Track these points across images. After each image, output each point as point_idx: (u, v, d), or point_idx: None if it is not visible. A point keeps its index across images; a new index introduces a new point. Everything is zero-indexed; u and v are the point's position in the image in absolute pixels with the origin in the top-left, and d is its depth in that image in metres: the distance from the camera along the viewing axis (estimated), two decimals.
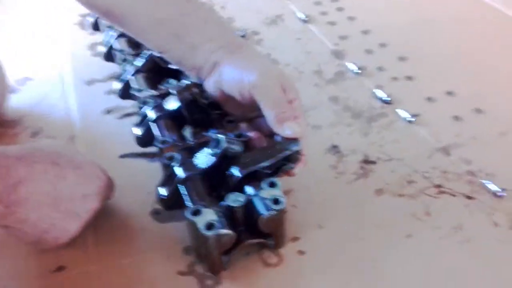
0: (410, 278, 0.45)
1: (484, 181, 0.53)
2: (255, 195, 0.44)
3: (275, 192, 0.44)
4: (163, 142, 0.49)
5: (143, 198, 0.53)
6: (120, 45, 0.67)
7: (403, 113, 0.64)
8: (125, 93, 0.61)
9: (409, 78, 0.71)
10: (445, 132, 0.61)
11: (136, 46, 0.65)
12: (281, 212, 0.44)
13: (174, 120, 0.53)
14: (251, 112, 0.51)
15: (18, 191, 0.42)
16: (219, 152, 0.45)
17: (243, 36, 0.83)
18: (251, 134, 0.49)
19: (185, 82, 0.55)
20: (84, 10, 0.87)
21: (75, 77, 0.74)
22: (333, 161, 0.58)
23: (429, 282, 0.45)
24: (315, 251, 0.48)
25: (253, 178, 0.45)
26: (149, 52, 0.60)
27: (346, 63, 0.74)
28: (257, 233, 0.45)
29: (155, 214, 0.51)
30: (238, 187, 0.45)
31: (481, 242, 0.48)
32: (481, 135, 0.60)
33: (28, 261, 0.48)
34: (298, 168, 0.47)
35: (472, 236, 0.48)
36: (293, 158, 0.46)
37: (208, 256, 0.44)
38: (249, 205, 0.44)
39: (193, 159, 0.47)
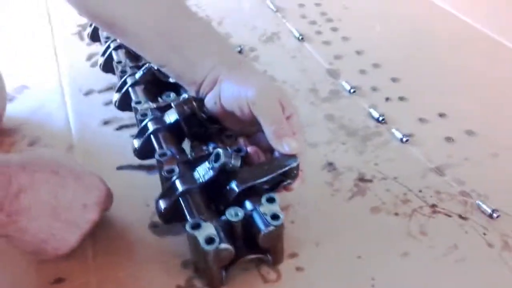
0: None
1: (477, 202, 0.54)
2: (253, 210, 0.44)
3: (274, 208, 0.44)
4: (162, 155, 0.50)
5: (141, 210, 0.54)
6: (118, 56, 0.67)
7: (397, 133, 0.65)
8: (124, 104, 0.61)
9: (401, 98, 0.72)
10: (438, 152, 0.62)
11: (135, 58, 0.66)
12: (280, 228, 0.44)
13: (173, 133, 0.53)
14: (250, 128, 0.51)
15: (20, 200, 0.42)
16: (217, 166, 0.46)
17: (239, 52, 0.84)
18: (250, 149, 0.50)
19: (184, 95, 0.55)
20: (82, 20, 0.89)
21: (73, 87, 0.74)
22: (329, 178, 0.59)
23: None
24: (313, 268, 0.48)
25: (252, 193, 0.46)
26: (148, 64, 0.61)
27: (341, 82, 0.75)
28: (255, 248, 0.45)
29: (153, 226, 0.52)
30: (236, 201, 0.45)
31: (475, 263, 0.49)
32: (473, 156, 0.62)
33: (27, 272, 0.48)
34: (296, 184, 0.48)
35: (467, 257, 0.49)
36: (291, 174, 0.47)
37: (207, 271, 0.44)
38: (247, 220, 0.44)
39: (192, 172, 0.47)
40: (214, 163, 0.46)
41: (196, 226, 0.42)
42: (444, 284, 0.47)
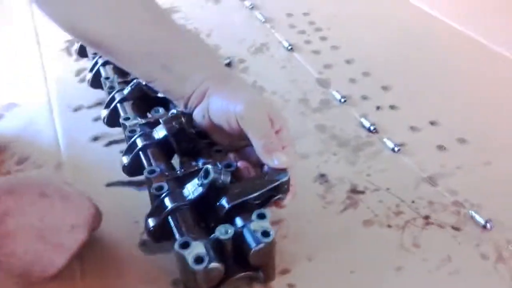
0: None
1: (470, 212, 0.54)
2: (244, 226, 0.44)
3: (264, 224, 0.44)
4: (151, 171, 0.49)
5: (130, 227, 0.53)
6: (106, 72, 0.66)
7: (389, 143, 0.65)
8: (112, 120, 0.61)
9: (392, 107, 0.72)
10: (430, 161, 0.62)
11: (123, 73, 0.65)
12: (271, 245, 0.43)
13: (162, 149, 0.52)
14: (239, 142, 0.51)
15: (6, 223, 0.41)
16: (207, 183, 0.45)
17: (229, 64, 0.83)
18: (240, 164, 0.49)
19: (173, 111, 0.55)
20: (70, 36, 0.88)
21: (62, 103, 0.73)
22: (321, 191, 0.58)
23: None
24: (305, 284, 0.47)
25: (242, 208, 0.45)
26: (136, 80, 0.60)
27: (331, 92, 0.75)
28: (246, 266, 0.44)
29: (143, 245, 0.51)
30: (227, 218, 0.45)
31: (470, 275, 0.48)
32: (466, 165, 0.61)
33: None
34: (287, 200, 0.47)
35: (461, 269, 0.49)
36: (282, 189, 0.46)
37: None
38: (238, 237, 0.43)
39: (181, 189, 0.47)
40: (203, 180, 0.45)
41: (185, 245, 0.41)
42: None
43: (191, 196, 0.46)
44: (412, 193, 0.57)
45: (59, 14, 0.50)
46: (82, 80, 0.78)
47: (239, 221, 0.45)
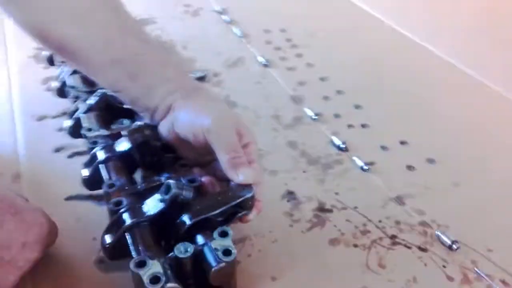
0: None
1: (437, 233, 0.53)
2: (204, 245, 0.42)
3: (226, 243, 0.42)
4: (111, 185, 0.47)
5: (88, 244, 0.51)
6: (73, 81, 0.64)
7: (358, 161, 0.64)
8: (76, 131, 0.59)
9: (364, 126, 0.72)
10: (399, 181, 0.62)
11: (90, 83, 0.63)
12: (232, 264, 0.42)
13: (124, 162, 0.51)
14: (205, 156, 0.50)
15: None
16: (168, 198, 0.43)
17: (203, 77, 0.82)
18: (204, 179, 0.48)
19: (138, 123, 0.53)
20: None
21: (25, 112, 0.71)
22: (289, 208, 0.57)
23: None
24: None
25: (205, 225, 0.44)
26: (102, 90, 0.58)
27: (304, 109, 0.75)
28: (207, 286, 0.43)
29: (100, 262, 0.49)
30: (189, 235, 0.43)
31: None
32: (434, 185, 0.61)
33: None
34: (252, 215, 0.46)
35: None
36: (246, 205, 0.45)
37: None
38: (198, 256, 0.42)
39: (141, 205, 0.45)
40: (164, 195, 0.44)
41: (141, 264, 0.39)
42: None
43: (150, 212, 0.44)
44: (379, 212, 0.57)
45: (19, 12, 0.48)
46: (49, 89, 0.76)
47: (200, 239, 0.43)
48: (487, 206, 0.58)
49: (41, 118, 0.70)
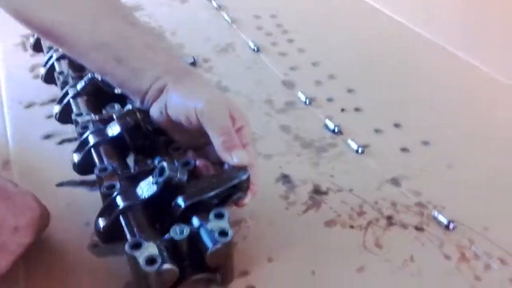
0: None
1: (434, 213, 0.53)
2: (200, 226, 0.42)
3: (222, 224, 0.42)
4: (102, 170, 0.46)
5: (80, 229, 0.50)
6: (61, 66, 0.63)
7: (353, 144, 0.64)
8: (65, 117, 0.58)
9: (357, 109, 0.72)
10: (394, 163, 0.61)
11: (78, 68, 0.62)
12: (228, 245, 0.41)
13: (115, 147, 0.50)
14: (198, 139, 0.49)
15: None
16: (162, 181, 0.43)
17: (193, 63, 0.81)
18: (198, 162, 0.47)
19: (128, 107, 0.52)
20: (26, 30, 0.84)
21: (13, 100, 0.70)
22: (284, 191, 0.57)
23: None
24: (265, 286, 0.45)
25: (200, 208, 0.43)
26: (91, 74, 0.57)
27: (297, 93, 0.74)
28: (203, 267, 0.42)
29: (94, 247, 0.48)
30: (184, 218, 0.42)
31: (432, 276, 0.47)
32: (429, 167, 0.61)
33: None
34: (247, 198, 0.46)
35: (424, 269, 0.48)
36: (241, 187, 0.44)
37: None
38: (194, 237, 0.41)
39: (134, 188, 0.44)
40: (158, 178, 0.43)
41: (136, 246, 0.39)
42: None
43: (144, 195, 0.43)
44: (375, 194, 0.56)
45: None
46: (36, 76, 0.74)
47: (195, 221, 0.42)
48: (482, 186, 0.58)
49: (29, 106, 0.68)
